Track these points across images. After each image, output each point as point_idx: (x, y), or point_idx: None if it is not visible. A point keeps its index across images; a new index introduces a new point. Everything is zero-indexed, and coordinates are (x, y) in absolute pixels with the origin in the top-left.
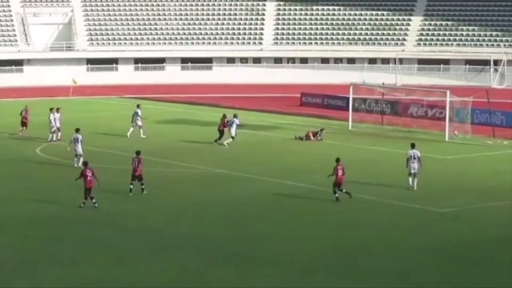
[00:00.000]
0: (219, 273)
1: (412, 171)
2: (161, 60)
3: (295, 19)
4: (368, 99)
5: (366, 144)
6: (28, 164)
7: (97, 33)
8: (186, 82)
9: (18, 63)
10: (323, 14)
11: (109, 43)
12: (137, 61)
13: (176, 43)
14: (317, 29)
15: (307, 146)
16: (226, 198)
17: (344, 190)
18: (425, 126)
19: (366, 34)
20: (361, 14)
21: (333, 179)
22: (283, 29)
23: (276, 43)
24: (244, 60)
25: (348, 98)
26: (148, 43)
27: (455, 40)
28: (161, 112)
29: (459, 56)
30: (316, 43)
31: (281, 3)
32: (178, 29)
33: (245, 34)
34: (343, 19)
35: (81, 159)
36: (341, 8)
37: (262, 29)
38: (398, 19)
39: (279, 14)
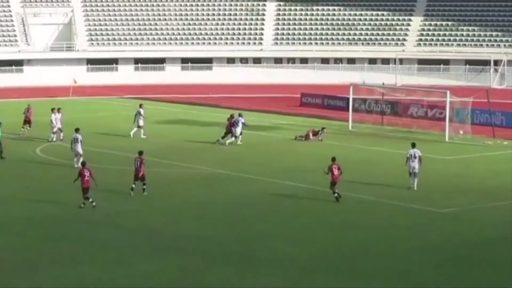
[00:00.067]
0: (219, 273)
1: (412, 171)
2: (161, 60)
3: (295, 19)
4: (368, 100)
5: (366, 144)
6: (28, 164)
7: (97, 33)
8: (186, 82)
9: (18, 63)
10: (323, 14)
11: (109, 43)
12: (137, 61)
13: (176, 43)
14: (317, 29)
15: (307, 146)
16: (226, 198)
17: (336, 193)
18: (425, 126)
19: (366, 34)
20: (361, 14)
21: (329, 179)
22: (283, 29)
23: (276, 43)
24: (244, 60)
25: (348, 99)
26: (148, 43)
27: (455, 40)
28: (161, 112)
29: (459, 56)
30: (316, 43)
31: (281, 3)
32: (178, 29)
33: (245, 34)
34: (343, 19)
35: (81, 159)
36: (341, 8)
37: (262, 29)
38: (398, 19)
39: (279, 14)
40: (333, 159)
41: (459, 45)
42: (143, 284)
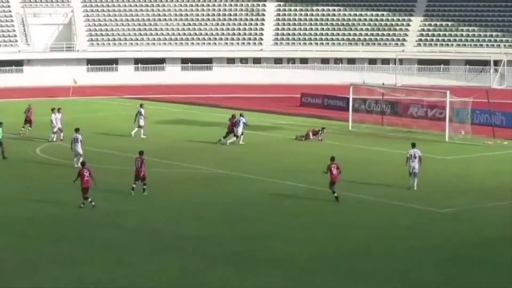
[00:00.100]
0: (219, 273)
1: (412, 171)
2: (161, 61)
3: (295, 19)
4: (368, 100)
5: (366, 144)
6: (28, 164)
7: (97, 34)
8: (186, 83)
9: (18, 63)
10: (323, 15)
11: (109, 44)
12: (137, 61)
13: (176, 43)
14: (317, 29)
15: (307, 146)
16: (226, 198)
17: (335, 194)
18: (425, 126)
19: (366, 34)
20: (361, 15)
21: (328, 178)
22: (283, 29)
23: (276, 43)
24: (244, 61)
25: (348, 99)
26: (148, 44)
27: (455, 40)
28: (161, 113)
29: (459, 56)
30: (316, 43)
31: (281, 3)
32: (178, 29)
33: (245, 34)
34: (343, 20)
35: (81, 159)
36: (341, 8)
37: (262, 29)
38: (398, 20)
39: (279, 15)
40: (332, 159)
41: (459, 45)
42: (143, 284)
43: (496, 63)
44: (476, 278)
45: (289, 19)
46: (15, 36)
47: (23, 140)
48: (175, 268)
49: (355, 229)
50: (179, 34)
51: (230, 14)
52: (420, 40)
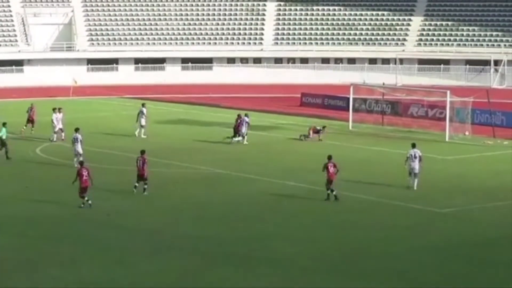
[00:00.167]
0: (219, 273)
1: (412, 171)
2: (162, 60)
3: (295, 19)
4: (368, 99)
5: (367, 144)
6: (28, 164)
7: (98, 33)
8: (187, 82)
9: (19, 63)
10: (323, 14)
11: (109, 43)
12: (137, 61)
13: (176, 43)
14: (317, 29)
15: (307, 146)
16: (226, 198)
17: (332, 190)
18: (425, 126)
19: (367, 34)
20: (361, 14)
21: (325, 177)
22: (284, 29)
23: (277, 43)
24: (244, 60)
25: (348, 98)
26: (148, 43)
27: (455, 40)
28: (162, 112)
29: (459, 56)
30: (316, 43)
31: (282, 3)
32: (178, 29)
33: (245, 34)
34: (343, 19)
35: (81, 159)
36: (341, 8)
37: (262, 29)
38: (399, 19)
39: (279, 14)
40: (329, 157)
41: (459, 45)
42: (143, 284)
43: (496, 63)
44: (476, 278)
45: (289, 19)
46: (15, 36)
47: (23, 140)
48: (175, 268)
49: (355, 229)
50: (179, 34)
51: (230, 14)
52: (421, 40)
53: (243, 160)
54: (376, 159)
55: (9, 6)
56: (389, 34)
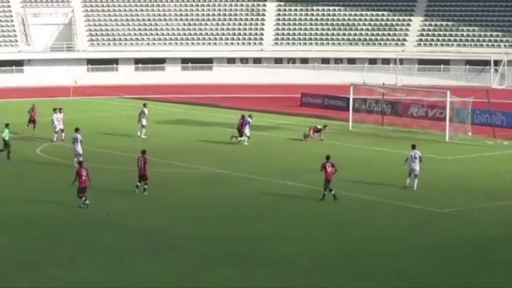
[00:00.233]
0: (219, 273)
1: (413, 172)
2: (162, 61)
3: (295, 19)
4: (368, 100)
5: (367, 144)
6: (28, 164)
7: (98, 34)
8: (187, 83)
9: (19, 63)
10: (323, 15)
11: (109, 44)
12: (137, 61)
13: (176, 43)
14: (317, 29)
15: (307, 146)
16: (226, 198)
17: (330, 190)
18: (425, 126)
19: (367, 34)
20: (361, 14)
21: (323, 176)
22: (284, 29)
23: (277, 43)
24: (244, 61)
25: (348, 99)
26: (148, 44)
27: (455, 40)
28: (162, 113)
29: (459, 56)
30: (317, 43)
31: (282, 3)
32: (178, 29)
33: (245, 34)
34: (343, 19)
35: (81, 159)
36: (341, 8)
37: (262, 29)
38: (399, 20)
39: (279, 15)
40: (327, 157)
41: (459, 45)
42: (143, 284)
43: (496, 63)
44: (476, 278)
45: (290, 19)
46: (16, 36)
47: (23, 140)
48: (175, 268)
49: (355, 229)
50: (179, 34)
51: (230, 14)
52: (421, 40)
53: (243, 160)
54: (376, 159)
55: (9, 6)
56: (389, 34)
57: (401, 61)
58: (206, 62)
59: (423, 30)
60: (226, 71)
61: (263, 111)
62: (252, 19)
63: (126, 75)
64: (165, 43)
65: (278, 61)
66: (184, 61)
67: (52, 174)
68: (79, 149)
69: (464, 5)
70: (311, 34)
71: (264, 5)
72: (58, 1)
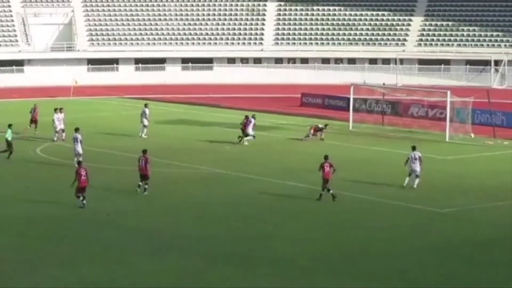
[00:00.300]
0: (219, 273)
1: (414, 173)
2: (162, 61)
3: (295, 19)
4: (368, 100)
5: (367, 144)
6: (28, 164)
7: (98, 34)
8: (187, 83)
9: (19, 63)
10: (323, 15)
11: (109, 44)
12: (137, 61)
13: (176, 43)
14: (317, 29)
15: (307, 146)
16: (226, 198)
17: (331, 191)
18: (425, 126)
19: (367, 34)
20: (361, 14)
21: (321, 176)
22: (284, 29)
23: (277, 43)
24: (244, 61)
25: (348, 99)
26: (148, 44)
27: (455, 40)
28: (162, 113)
29: (459, 56)
30: (317, 43)
31: (282, 3)
32: (178, 29)
33: (245, 34)
34: (344, 19)
35: (80, 159)
36: (342, 8)
37: (262, 29)
38: (399, 20)
39: (279, 15)
40: (326, 157)
41: (459, 45)
42: (143, 284)
43: (497, 63)
44: (476, 278)
45: (290, 19)
46: (16, 36)
47: (23, 140)
48: (175, 268)
49: (355, 229)
50: (179, 34)
51: (230, 14)
52: (421, 40)
53: (243, 160)
54: (376, 159)
55: (9, 6)
56: (389, 34)
57: (402, 61)
58: (206, 62)
59: (424, 30)
60: (226, 71)
61: (263, 111)
62: (252, 19)
63: (126, 75)
64: (165, 43)
65: (279, 61)
66: (184, 61)
67: (52, 174)
68: (79, 149)
69: (464, 5)
70: (311, 34)
71: (265, 5)
72: (58, 1)
